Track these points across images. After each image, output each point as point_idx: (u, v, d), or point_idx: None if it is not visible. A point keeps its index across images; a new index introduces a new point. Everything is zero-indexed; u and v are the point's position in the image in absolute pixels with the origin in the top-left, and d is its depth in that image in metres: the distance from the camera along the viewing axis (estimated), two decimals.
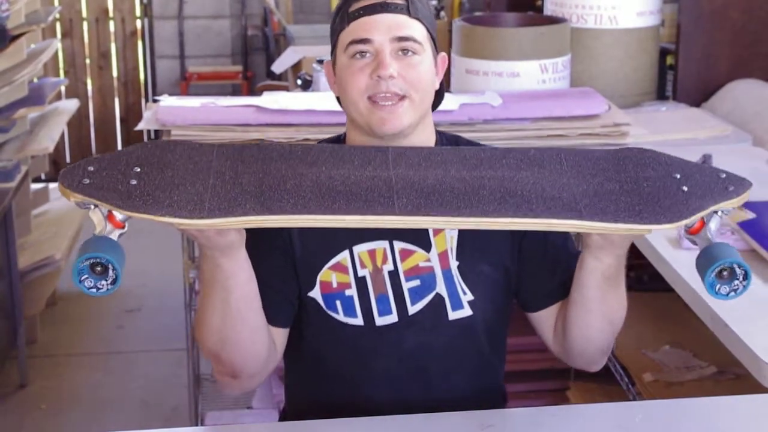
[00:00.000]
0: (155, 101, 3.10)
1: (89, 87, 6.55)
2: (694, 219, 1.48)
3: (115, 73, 6.57)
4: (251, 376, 1.67)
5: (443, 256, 1.72)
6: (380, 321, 1.71)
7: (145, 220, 1.41)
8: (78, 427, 3.47)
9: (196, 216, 1.41)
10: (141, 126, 2.91)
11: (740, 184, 1.54)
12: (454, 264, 1.72)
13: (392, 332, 1.71)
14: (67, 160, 6.42)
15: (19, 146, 3.87)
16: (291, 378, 1.86)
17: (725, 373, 2.53)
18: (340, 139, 1.80)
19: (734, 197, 1.52)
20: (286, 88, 4.23)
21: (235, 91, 6.34)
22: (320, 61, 3.33)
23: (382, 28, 1.67)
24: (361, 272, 1.71)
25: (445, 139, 1.80)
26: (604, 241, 1.56)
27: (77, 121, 6.22)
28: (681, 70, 3.54)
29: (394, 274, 1.71)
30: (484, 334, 1.76)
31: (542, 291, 1.76)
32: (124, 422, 3.45)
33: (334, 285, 1.71)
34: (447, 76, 2.06)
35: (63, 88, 5.91)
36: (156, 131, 2.95)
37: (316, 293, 1.71)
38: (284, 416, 1.91)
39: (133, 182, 1.44)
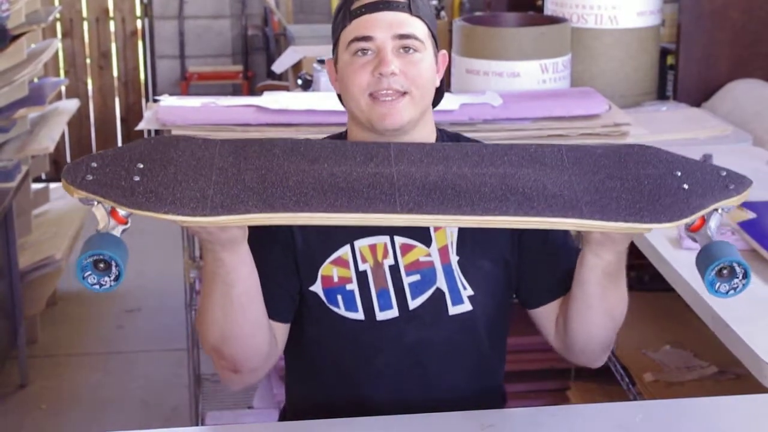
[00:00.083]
0: (156, 101, 3.10)
1: (89, 87, 6.55)
2: (694, 218, 1.48)
3: (115, 73, 6.57)
4: (252, 370, 1.68)
5: (443, 251, 1.72)
6: (381, 315, 1.71)
7: (148, 217, 1.41)
8: (78, 427, 3.47)
9: (199, 213, 1.41)
10: (141, 126, 2.91)
11: (741, 182, 1.54)
12: (454, 259, 1.72)
13: (393, 327, 1.72)
14: (68, 160, 6.42)
15: (20, 146, 3.87)
16: (291, 376, 1.86)
17: (726, 373, 2.53)
18: (341, 137, 1.81)
19: (735, 195, 1.52)
20: (286, 88, 4.23)
21: (236, 91, 6.34)
22: (321, 61, 3.33)
23: (384, 26, 1.68)
24: (362, 267, 1.71)
25: (445, 136, 1.81)
26: (604, 238, 1.56)
27: (77, 121, 6.22)
28: (681, 70, 3.54)
29: (394, 269, 1.71)
30: (485, 331, 1.76)
31: (542, 287, 1.76)
32: (124, 422, 3.45)
33: (335, 279, 1.71)
34: (447, 76, 2.06)
35: (63, 88, 5.90)
36: (156, 131, 2.95)
37: (317, 287, 1.72)
38: (284, 416, 1.91)
39: (136, 178, 1.44)
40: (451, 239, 1.72)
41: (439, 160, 1.54)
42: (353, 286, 1.71)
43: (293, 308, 1.73)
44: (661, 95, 3.65)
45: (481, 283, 1.73)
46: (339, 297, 1.71)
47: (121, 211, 1.43)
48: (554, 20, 3.41)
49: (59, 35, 6.35)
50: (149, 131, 3.02)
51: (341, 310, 1.72)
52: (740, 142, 3.06)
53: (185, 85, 6.40)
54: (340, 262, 1.71)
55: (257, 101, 2.94)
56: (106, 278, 1.40)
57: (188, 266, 2.96)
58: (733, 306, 1.98)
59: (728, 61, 3.52)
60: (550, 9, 3.59)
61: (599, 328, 1.69)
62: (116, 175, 1.45)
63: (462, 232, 1.73)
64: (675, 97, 3.58)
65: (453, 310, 1.73)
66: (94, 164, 1.46)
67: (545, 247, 1.75)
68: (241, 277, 1.57)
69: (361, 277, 1.71)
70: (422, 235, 1.72)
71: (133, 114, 6.49)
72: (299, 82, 3.38)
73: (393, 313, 1.72)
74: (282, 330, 1.72)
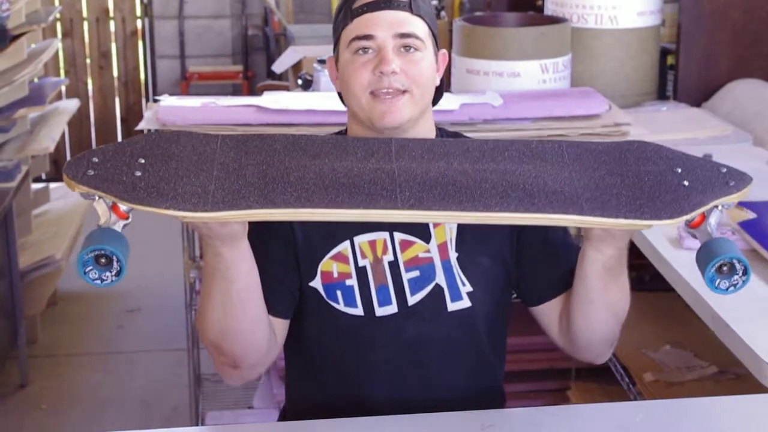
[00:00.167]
0: (156, 101, 3.10)
1: (90, 87, 6.55)
2: (694, 214, 1.48)
3: (115, 73, 6.57)
4: (252, 366, 1.68)
5: (443, 248, 1.73)
6: (380, 311, 1.72)
7: (149, 212, 1.41)
8: (78, 427, 3.47)
9: (200, 209, 1.41)
10: (141, 126, 2.91)
11: (741, 179, 1.54)
12: (453, 255, 1.73)
13: (392, 323, 1.72)
14: (68, 159, 6.41)
15: (20, 146, 3.87)
16: (291, 375, 1.86)
17: (726, 373, 2.53)
18: (341, 134, 1.81)
19: (735, 192, 1.52)
20: (286, 88, 4.23)
21: (236, 91, 6.34)
22: (321, 61, 3.33)
23: (385, 25, 1.69)
24: (361, 262, 1.72)
25: (445, 135, 1.82)
26: (605, 233, 1.56)
27: (78, 121, 6.22)
28: (681, 70, 3.54)
29: (394, 265, 1.72)
30: (484, 328, 1.76)
31: (543, 284, 1.76)
32: (124, 422, 3.45)
33: (335, 275, 1.72)
34: (447, 76, 2.06)
35: (63, 88, 5.90)
36: (156, 131, 2.95)
37: (317, 283, 1.72)
38: (284, 416, 1.91)
39: (138, 174, 1.44)
40: (451, 235, 1.73)
41: (440, 156, 1.54)
42: (353, 282, 1.72)
43: (293, 304, 1.73)
44: (662, 95, 3.65)
45: (480, 279, 1.73)
46: (338, 292, 1.72)
47: (122, 206, 1.43)
48: (554, 20, 3.41)
49: (59, 35, 6.35)
50: (149, 131, 3.02)
51: (340, 306, 1.72)
52: (740, 142, 3.06)
53: (185, 85, 6.40)
54: (340, 258, 1.72)
55: (257, 101, 2.94)
56: (108, 273, 1.40)
57: (188, 266, 2.96)
58: (734, 306, 1.98)
59: (728, 61, 3.52)
60: (550, 9, 3.59)
61: (602, 324, 1.69)
62: (117, 170, 1.45)
63: (461, 228, 1.73)
64: (675, 97, 3.58)
65: (452, 306, 1.73)
66: (96, 159, 1.46)
67: (545, 245, 1.75)
68: (240, 273, 1.57)
69: (361, 272, 1.72)
70: (421, 231, 1.72)
71: (133, 114, 6.49)
72: (299, 82, 3.38)
73: (392, 308, 1.72)
74: (281, 326, 1.72)
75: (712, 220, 1.51)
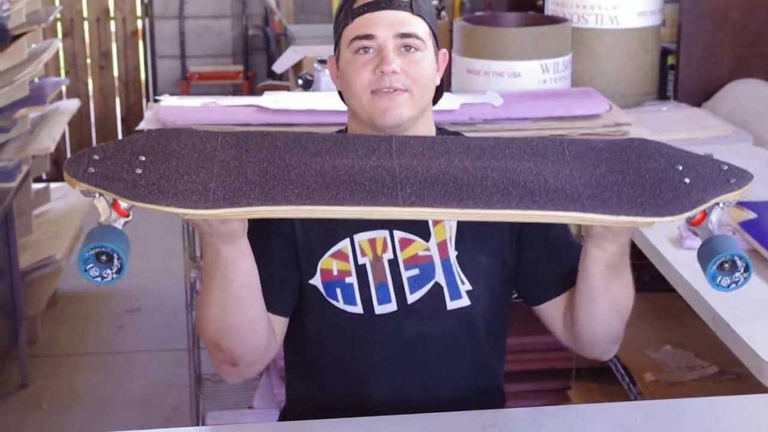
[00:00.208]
0: (156, 101, 3.10)
1: (90, 87, 6.55)
2: (696, 211, 1.48)
3: (116, 73, 6.57)
4: (250, 364, 1.68)
5: (442, 246, 1.73)
6: (379, 309, 1.72)
7: (149, 209, 1.41)
8: (78, 427, 3.47)
9: (200, 206, 1.41)
10: (142, 126, 2.91)
11: (742, 176, 1.54)
12: (452, 254, 1.73)
13: (391, 321, 1.72)
14: (68, 157, 6.41)
15: (20, 146, 3.87)
16: (291, 375, 1.86)
17: (726, 373, 2.53)
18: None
19: (736, 189, 1.52)
20: (287, 88, 4.23)
21: (236, 91, 6.34)
22: (321, 61, 3.33)
23: (386, 25, 1.69)
24: (361, 260, 1.72)
25: (445, 134, 1.82)
26: (606, 231, 1.56)
27: (78, 121, 6.22)
28: (682, 70, 3.54)
29: (393, 263, 1.72)
30: (483, 327, 1.76)
31: (545, 282, 1.76)
32: (124, 422, 3.45)
33: (335, 273, 1.72)
34: (448, 76, 2.07)
35: (64, 88, 5.90)
36: (157, 129, 2.95)
37: (316, 281, 1.73)
38: (284, 415, 1.91)
39: (138, 171, 1.44)
40: (450, 234, 1.73)
41: (440, 154, 1.54)
42: (352, 280, 1.72)
43: (293, 302, 1.74)
44: (662, 95, 3.65)
45: (479, 278, 1.74)
46: (338, 290, 1.72)
47: (123, 204, 1.43)
48: (555, 20, 3.41)
49: (60, 35, 6.35)
50: (149, 131, 3.02)
51: (340, 304, 1.72)
52: (741, 142, 3.06)
53: (186, 85, 6.40)
54: (340, 256, 1.72)
55: (258, 101, 2.94)
56: (108, 271, 1.40)
57: (188, 266, 2.96)
58: (734, 306, 1.98)
59: (729, 61, 3.52)
60: (550, 9, 3.59)
61: (606, 321, 1.69)
62: (118, 168, 1.45)
63: (461, 227, 1.73)
64: (675, 97, 3.58)
65: (451, 304, 1.73)
66: (96, 157, 1.46)
67: (546, 243, 1.75)
68: (240, 271, 1.57)
69: (360, 270, 1.72)
70: (421, 229, 1.73)
71: (133, 114, 6.50)
72: (300, 82, 3.38)
73: (391, 307, 1.72)
74: (281, 323, 1.72)
75: (714, 217, 1.51)
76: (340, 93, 1.79)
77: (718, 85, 3.51)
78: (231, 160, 1.49)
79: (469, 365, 1.78)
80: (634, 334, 2.68)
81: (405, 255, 1.73)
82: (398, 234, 1.72)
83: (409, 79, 1.69)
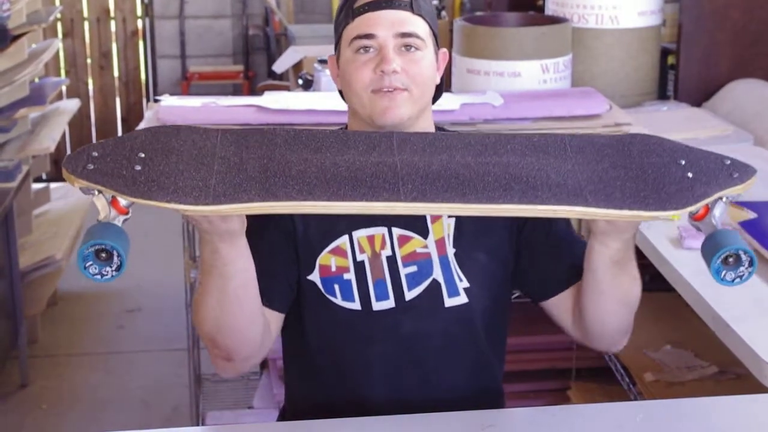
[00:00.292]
0: (156, 101, 3.10)
1: (90, 87, 6.55)
2: (699, 206, 1.48)
3: (116, 73, 6.57)
4: (245, 359, 1.68)
5: (440, 243, 1.73)
6: (377, 306, 1.72)
7: (149, 206, 1.41)
8: (78, 427, 3.48)
9: (201, 202, 1.41)
10: (142, 126, 2.91)
11: (745, 170, 1.53)
12: (450, 251, 1.73)
13: (389, 317, 1.73)
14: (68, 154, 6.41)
15: (21, 146, 3.87)
16: (290, 374, 1.86)
17: (726, 373, 2.53)
18: None
19: (739, 184, 1.51)
20: (287, 88, 4.23)
21: (236, 91, 6.34)
22: (321, 61, 3.33)
23: (386, 24, 1.70)
24: (359, 257, 1.72)
25: None
26: (609, 226, 1.56)
27: (78, 121, 6.22)
28: (682, 70, 3.54)
29: (392, 260, 1.72)
30: (481, 325, 1.76)
31: (549, 278, 1.76)
32: (124, 422, 3.45)
33: (333, 269, 1.72)
34: (448, 76, 2.07)
35: (64, 88, 5.90)
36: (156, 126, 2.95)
37: (315, 277, 1.73)
38: (284, 416, 1.91)
39: (138, 168, 1.44)
40: (448, 231, 1.73)
41: (442, 150, 1.54)
42: (350, 276, 1.72)
43: (290, 298, 1.74)
44: (662, 95, 3.65)
45: (477, 275, 1.74)
46: (336, 286, 1.72)
47: (122, 201, 1.42)
48: (555, 20, 3.41)
49: (60, 35, 6.35)
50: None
51: (338, 300, 1.72)
52: (741, 142, 3.06)
53: (186, 84, 6.40)
54: (339, 252, 1.72)
55: (258, 101, 2.94)
56: (108, 268, 1.40)
57: (188, 266, 2.96)
58: (734, 306, 1.98)
59: (729, 61, 3.52)
60: (550, 9, 3.59)
61: (614, 314, 1.69)
62: (117, 165, 1.44)
63: (459, 224, 1.74)
64: (676, 97, 3.58)
65: (449, 302, 1.73)
66: (95, 153, 1.45)
67: (548, 238, 1.75)
68: (237, 270, 1.57)
69: (359, 267, 1.72)
70: (420, 226, 1.73)
71: (133, 114, 6.50)
72: (300, 82, 3.39)
73: (389, 303, 1.72)
74: (277, 319, 1.72)
75: (717, 212, 1.50)
76: (340, 92, 1.79)
77: (718, 85, 3.51)
78: (231, 157, 1.49)
79: (468, 364, 1.78)
80: (634, 334, 2.67)
81: (403, 252, 1.73)
82: (397, 231, 1.73)
83: (409, 78, 1.69)
